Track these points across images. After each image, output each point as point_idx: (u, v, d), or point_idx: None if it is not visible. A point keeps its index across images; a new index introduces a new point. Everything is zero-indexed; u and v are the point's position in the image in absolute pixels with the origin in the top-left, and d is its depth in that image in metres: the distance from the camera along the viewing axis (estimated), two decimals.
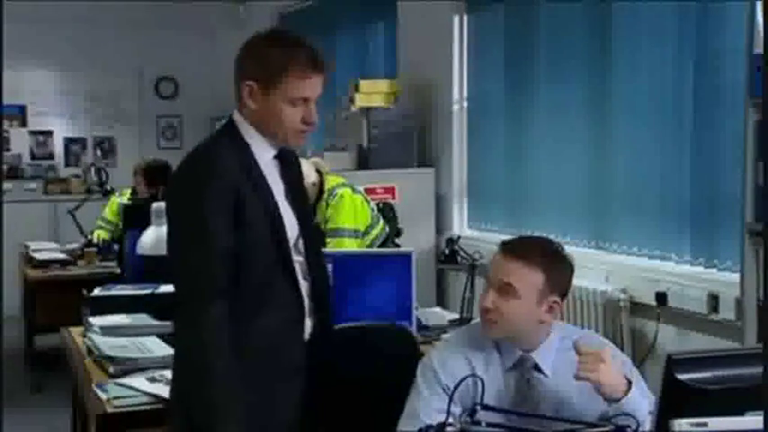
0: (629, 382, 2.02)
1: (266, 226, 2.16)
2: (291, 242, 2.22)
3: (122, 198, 6.21)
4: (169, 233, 2.22)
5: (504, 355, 2.20)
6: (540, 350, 2.19)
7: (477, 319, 3.72)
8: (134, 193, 6.18)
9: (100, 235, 6.08)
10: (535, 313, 2.16)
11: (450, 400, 2.01)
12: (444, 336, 3.47)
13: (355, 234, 4.20)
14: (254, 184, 2.16)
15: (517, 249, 2.19)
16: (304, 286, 2.24)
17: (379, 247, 4.28)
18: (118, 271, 5.28)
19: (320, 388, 2.30)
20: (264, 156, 2.22)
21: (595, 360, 2.01)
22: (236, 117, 2.24)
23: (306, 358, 2.25)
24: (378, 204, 4.54)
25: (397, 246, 4.37)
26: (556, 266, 2.18)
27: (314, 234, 2.36)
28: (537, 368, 2.18)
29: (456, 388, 2.05)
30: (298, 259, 2.24)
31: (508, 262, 2.17)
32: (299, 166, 2.39)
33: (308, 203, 2.38)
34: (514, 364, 2.19)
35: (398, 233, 4.52)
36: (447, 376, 2.17)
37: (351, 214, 4.21)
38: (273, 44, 2.18)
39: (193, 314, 2.10)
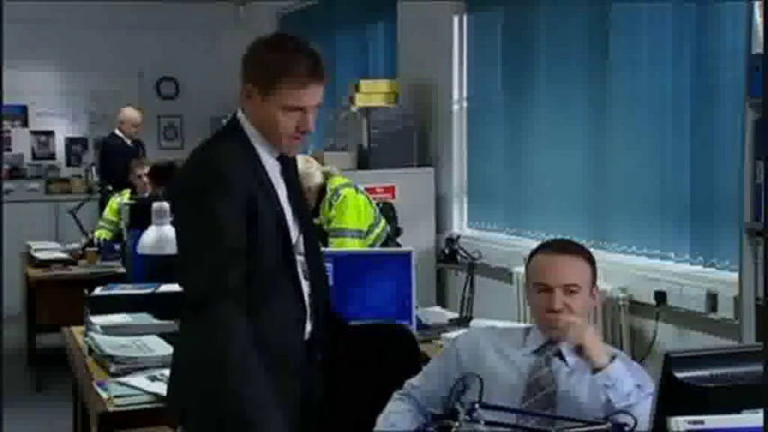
0: (613, 358, 2.13)
1: (273, 228, 2.18)
2: (293, 242, 2.24)
3: (122, 197, 6.23)
4: (181, 236, 2.22)
5: (530, 340, 2.32)
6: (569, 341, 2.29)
7: (476, 320, 3.75)
8: (133, 192, 6.20)
9: (101, 235, 6.09)
10: (589, 302, 2.31)
11: (452, 393, 2.07)
12: (444, 335, 3.49)
13: (359, 234, 4.22)
14: (263, 187, 2.18)
15: (566, 248, 2.35)
16: (305, 286, 2.26)
17: (381, 246, 4.29)
18: (120, 270, 5.30)
19: (318, 389, 2.31)
20: (269, 158, 2.24)
21: (581, 329, 2.16)
22: (240, 116, 2.25)
23: (304, 360, 2.26)
24: (378, 204, 4.55)
25: (398, 245, 4.38)
26: (592, 256, 2.36)
27: (313, 234, 2.38)
28: (560, 356, 2.27)
29: (460, 380, 2.12)
30: (299, 259, 2.26)
31: (565, 259, 2.29)
32: (296, 165, 2.41)
33: (306, 203, 2.38)
34: (539, 348, 2.29)
35: (398, 233, 4.54)
36: (464, 351, 2.34)
37: (354, 214, 4.22)
38: (273, 50, 2.18)
39: (216, 317, 2.07)
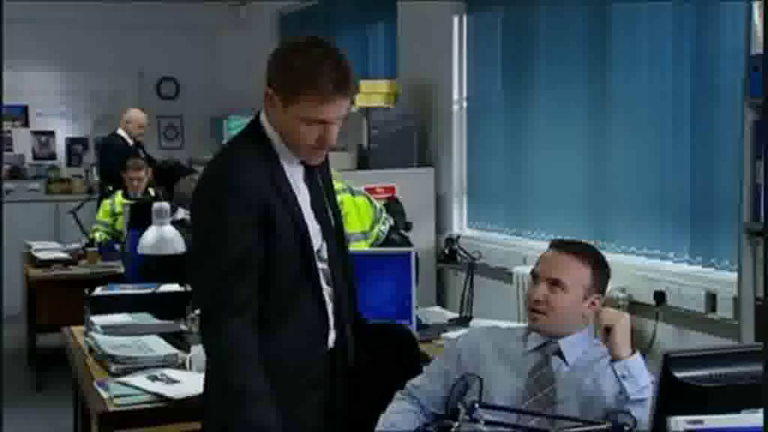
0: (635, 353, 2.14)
1: (292, 237, 2.12)
2: (315, 249, 2.18)
3: (115, 199, 6.24)
4: (193, 246, 2.18)
5: (531, 339, 2.32)
6: (569, 340, 2.29)
7: (476, 320, 3.75)
8: (125, 192, 6.22)
9: (96, 237, 6.11)
10: (579, 308, 2.29)
11: (453, 393, 2.08)
12: (444, 335, 3.50)
13: (364, 236, 4.22)
14: (281, 196, 2.11)
15: (568, 246, 2.36)
16: (327, 291, 2.21)
17: (383, 242, 4.29)
18: (120, 270, 5.30)
19: (342, 399, 2.29)
20: (291, 163, 2.16)
21: (619, 314, 2.18)
22: (263, 118, 2.16)
23: (328, 369, 2.23)
24: (386, 204, 4.54)
25: (407, 239, 4.37)
26: (601, 265, 2.34)
27: (339, 237, 2.30)
28: (559, 354, 2.28)
29: (461, 380, 2.15)
30: (321, 267, 2.20)
31: (559, 256, 2.31)
32: (328, 166, 2.32)
33: (334, 205, 2.30)
34: (538, 346, 2.30)
35: (408, 227, 4.50)
36: (465, 351, 2.35)
37: (355, 218, 4.22)
38: (298, 57, 2.06)
39: (214, 331, 2.05)
